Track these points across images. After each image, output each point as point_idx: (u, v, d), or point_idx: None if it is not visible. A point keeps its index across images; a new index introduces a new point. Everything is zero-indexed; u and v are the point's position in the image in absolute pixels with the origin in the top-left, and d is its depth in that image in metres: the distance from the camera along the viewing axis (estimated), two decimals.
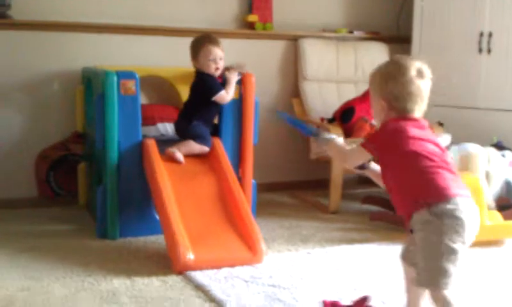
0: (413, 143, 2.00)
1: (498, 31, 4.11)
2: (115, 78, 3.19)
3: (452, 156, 3.57)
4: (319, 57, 4.42)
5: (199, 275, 2.72)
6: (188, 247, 2.78)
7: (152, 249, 3.10)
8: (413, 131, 2.03)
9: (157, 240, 3.19)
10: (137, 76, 3.26)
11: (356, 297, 2.47)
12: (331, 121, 4.10)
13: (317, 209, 4.03)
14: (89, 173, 3.72)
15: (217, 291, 2.57)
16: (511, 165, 3.88)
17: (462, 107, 4.29)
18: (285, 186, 4.52)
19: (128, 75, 3.24)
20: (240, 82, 3.46)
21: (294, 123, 2.63)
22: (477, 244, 3.26)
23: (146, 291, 2.56)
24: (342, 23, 4.67)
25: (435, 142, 2.06)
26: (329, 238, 3.38)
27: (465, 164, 3.55)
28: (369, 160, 2.20)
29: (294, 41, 4.47)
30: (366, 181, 4.68)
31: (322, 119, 4.12)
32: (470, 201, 1.97)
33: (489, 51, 4.16)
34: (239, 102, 3.48)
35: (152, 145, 3.26)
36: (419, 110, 2.09)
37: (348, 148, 2.19)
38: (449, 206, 1.91)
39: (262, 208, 3.74)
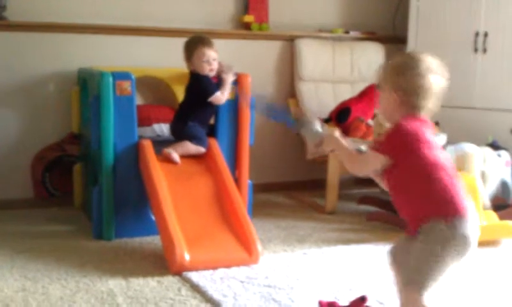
0: (429, 150, 1.94)
1: (493, 31, 4.12)
2: (111, 79, 3.18)
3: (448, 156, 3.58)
4: (315, 58, 4.43)
5: (195, 276, 2.72)
6: (184, 248, 2.77)
7: (147, 250, 3.10)
8: (427, 135, 1.97)
9: (153, 241, 3.19)
10: (133, 77, 3.26)
11: (353, 297, 2.48)
12: (327, 121, 4.09)
13: (314, 209, 4.03)
14: (84, 174, 3.71)
15: (213, 291, 2.56)
16: (507, 165, 3.89)
17: (458, 106, 4.29)
18: (282, 186, 4.51)
19: (124, 75, 3.24)
20: (236, 83, 3.46)
21: (270, 114, 2.51)
22: None
23: (142, 292, 2.56)
24: (338, 23, 4.67)
25: (442, 147, 2.04)
26: (325, 239, 3.38)
27: (461, 163, 3.55)
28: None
29: (290, 41, 4.47)
30: (362, 182, 4.72)
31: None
32: (474, 214, 1.94)
33: (484, 51, 4.16)
34: (235, 102, 3.48)
35: (147, 146, 3.25)
36: (430, 108, 2.02)
37: (348, 145, 2.09)
38: (463, 223, 1.88)
39: (258, 209, 3.74)
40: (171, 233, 2.81)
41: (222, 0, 4.31)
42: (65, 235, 3.34)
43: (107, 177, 3.22)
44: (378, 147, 1.98)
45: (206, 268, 2.80)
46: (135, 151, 3.27)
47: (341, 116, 4.03)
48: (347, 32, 4.62)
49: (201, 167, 3.32)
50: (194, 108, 3.37)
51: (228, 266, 2.84)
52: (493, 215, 3.44)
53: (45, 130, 3.87)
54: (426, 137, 1.96)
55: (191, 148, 3.33)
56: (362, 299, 2.44)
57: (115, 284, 2.63)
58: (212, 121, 3.50)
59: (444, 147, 3.62)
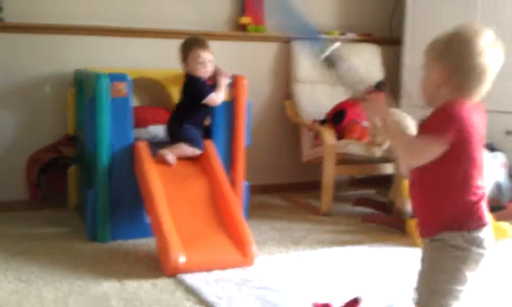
0: (477, 146, 1.70)
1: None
2: (107, 80, 3.18)
3: None
4: (311, 59, 4.41)
5: (190, 278, 2.72)
6: (179, 250, 2.77)
7: (142, 252, 3.10)
8: (478, 127, 1.71)
9: (147, 243, 3.19)
10: (128, 78, 3.26)
11: (347, 298, 2.48)
12: (323, 122, 4.10)
13: (309, 211, 4.03)
14: (80, 176, 3.71)
15: (208, 294, 2.57)
16: (502, 167, 3.89)
17: None
18: (277, 188, 4.51)
19: (120, 77, 3.24)
20: (232, 85, 3.46)
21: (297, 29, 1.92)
22: None
23: (137, 294, 2.56)
24: (334, 25, 4.67)
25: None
26: (320, 241, 3.38)
27: None
28: None
29: (286, 43, 4.47)
30: (358, 183, 4.72)
31: (314, 121, 4.13)
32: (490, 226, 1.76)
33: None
34: (231, 104, 3.48)
35: (143, 148, 3.25)
36: (479, 93, 1.73)
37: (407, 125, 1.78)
38: (481, 236, 1.71)
39: (253, 210, 3.74)
40: (166, 235, 2.81)
41: (218, 1, 4.31)
42: (60, 237, 3.33)
43: (102, 179, 3.22)
44: (439, 131, 1.66)
45: (201, 270, 2.80)
46: (130, 153, 3.27)
47: (337, 118, 4.03)
48: (343, 33, 4.62)
49: (196, 169, 3.32)
50: (190, 110, 3.37)
51: (223, 268, 2.84)
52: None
53: (41, 131, 3.86)
54: (477, 131, 1.71)
55: (187, 149, 3.33)
56: (356, 301, 2.44)
57: (109, 286, 2.63)
58: (207, 122, 3.50)
59: None
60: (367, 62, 4.57)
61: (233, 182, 3.45)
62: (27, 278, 2.70)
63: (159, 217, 2.90)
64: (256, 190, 4.15)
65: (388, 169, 4.00)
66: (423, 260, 1.79)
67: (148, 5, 4.10)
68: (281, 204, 4.25)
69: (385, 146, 3.60)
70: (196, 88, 3.34)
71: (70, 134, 3.79)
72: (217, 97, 3.36)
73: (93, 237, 3.24)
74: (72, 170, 3.77)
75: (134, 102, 3.76)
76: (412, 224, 3.44)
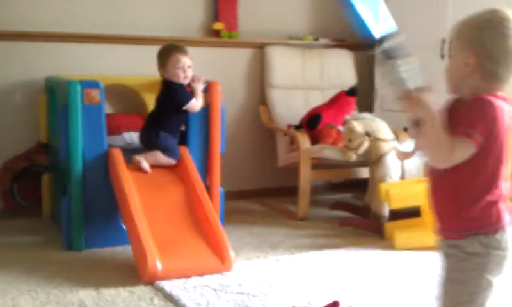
0: (506, 142, 1.55)
1: None
2: (79, 87, 3.15)
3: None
4: (285, 65, 4.44)
5: (167, 285, 2.69)
6: (156, 257, 2.75)
7: (118, 260, 3.07)
8: (509, 121, 1.55)
9: (124, 251, 3.15)
10: (101, 85, 3.22)
11: (326, 302, 2.48)
12: (297, 128, 4.11)
13: (286, 216, 4.03)
14: (53, 184, 3.66)
15: (186, 300, 2.55)
16: None
17: None
18: (254, 193, 4.51)
19: (92, 84, 3.21)
20: (206, 91, 3.45)
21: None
22: None
23: (114, 302, 2.53)
24: (307, 30, 4.70)
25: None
26: (298, 245, 3.38)
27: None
28: None
29: (260, 49, 4.48)
30: (334, 188, 4.74)
31: (289, 127, 4.14)
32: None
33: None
34: (206, 110, 3.46)
35: (117, 154, 3.22)
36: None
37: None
38: (498, 237, 1.57)
39: (230, 216, 3.73)
40: (143, 242, 2.78)
41: (191, 8, 4.31)
42: (34, 246, 3.28)
43: (76, 187, 3.18)
44: (469, 132, 1.50)
45: (179, 277, 2.78)
46: (104, 160, 3.24)
47: (312, 123, 4.04)
48: (316, 39, 4.65)
49: (172, 176, 3.30)
50: (166, 117, 3.34)
51: (201, 274, 2.83)
52: None
53: (12, 140, 3.81)
54: (508, 125, 1.54)
55: (162, 159, 3.30)
56: (335, 304, 2.45)
57: (86, 295, 2.60)
58: (183, 127, 3.48)
59: (412, 153, 3.66)
60: (340, 68, 4.61)
61: (209, 188, 3.43)
62: (2, 288, 2.65)
63: (135, 224, 2.87)
64: (232, 196, 4.14)
65: (364, 173, 4.02)
66: (443, 269, 1.65)
67: (121, 11, 4.07)
68: (257, 209, 4.25)
69: (360, 150, 3.62)
70: (176, 94, 3.30)
71: (42, 142, 3.75)
72: (198, 103, 3.34)
73: (68, 246, 3.19)
74: (46, 178, 3.71)
75: (107, 109, 3.73)
76: (389, 228, 3.47)
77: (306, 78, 4.52)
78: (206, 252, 2.92)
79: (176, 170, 3.32)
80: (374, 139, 3.60)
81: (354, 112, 4.20)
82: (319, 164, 3.95)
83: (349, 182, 4.66)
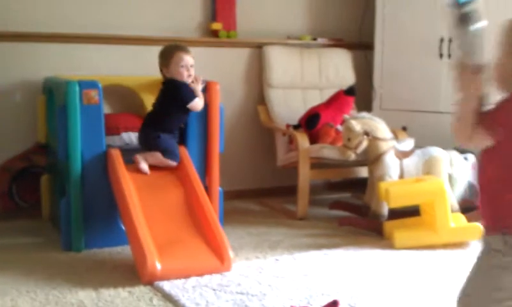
0: None
1: None
2: (77, 88, 3.15)
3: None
4: (283, 64, 4.44)
5: (167, 285, 2.69)
6: (155, 257, 2.74)
7: (118, 260, 3.06)
8: None
9: (123, 251, 3.15)
10: (99, 85, 3.22)
11: (325, 302, 2.48)
12: (296, 127, 4.11)
13: (285, 215, 4.03)
14: (52, 185, 3.65)
15: (185, 300, 2.54)
16: (474, 168, 3.95)
17: (424, 111, 4.35)
18: (252, 193, 4.51)
19: (91, 84, 3.20)
20: (205, 91, 3.45)
21: None
22: (442, 246, 3.34)
23: (113, 302, 2.53)
24: (305, 30, 4.70)
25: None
26: (297, 245, 3.38)
27: (429, 167, 3.60)
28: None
29: (258, 48, 4.48)
30: (333, 187, 4.74)
31: (288, 126, 4.14)
32: None
33: (449, 56, 4.23)
34: (204, 110, 3.46)
35: (116, 155, 3.22)
36: None
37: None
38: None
39: (229, 216, 3.73)
40: (142, 242, 2.78)
41: (189, 8, 4.30)
42: (34, 247, 3.28)
43: (75, 187, 3.18)
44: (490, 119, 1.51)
45: (178, 277, 2.78)
46: (103, 161, 3.23)
47: (310, 122, 4.04)
48: (314, 39, 4.65)
49: (171, 176, 3.29)
50: (167, 116, 3.32)
51: (200, 274, 2.82)
52: (461, 218, 3.49)
53: (11, 140, 3.80)
54: None
55: (163, 160, 3.29)
56: (334, 303, 2.44)
57: (85, 295, 2.59)
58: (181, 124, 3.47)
59: (412, 151, 3.67)
60: (338, 67, 4.61)
61: (208, 188, 3.43)
62: (1, 289, 2.65)
63: (135, 225, 2.87)
64: (231, 195, 4.15)
65: (362, 172, 4.02)
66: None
67: (119, 12, 4.07)
68: (256, 209, 4.25)
69: (359, 150, 3.62)
70: (181, 92, 3.29)
71: (40, 142, 3.74)
72: (200, 102, 3.34)
73: (68, 246, 3.19)
74: (44, 179, 3.71)
75: (106, 109, 3.73)
76: (388, 227, 3.47)
77: (304, 78, 4.52)
78: (205, 252, 2.92)
79: (175, 170, 3.32)
80: (373, 138, 3.60)
81: (352, 112, 4.20)
82: (317, 164, 3.95)
83: (348, 181, 4.66)
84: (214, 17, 4.33)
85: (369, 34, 4.66)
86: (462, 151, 3.93)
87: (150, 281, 2.73)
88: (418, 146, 3.71)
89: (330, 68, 4.59)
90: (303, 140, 3.89)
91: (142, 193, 3.09)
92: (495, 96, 1.57)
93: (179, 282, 2.74)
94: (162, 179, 3.26)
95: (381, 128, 3.65)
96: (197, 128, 3.48)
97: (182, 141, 3.45)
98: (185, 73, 3.30)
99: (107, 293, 2.62)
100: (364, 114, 3.78)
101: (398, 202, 3.34)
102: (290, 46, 4.55)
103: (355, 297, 2.60)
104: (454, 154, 3.70)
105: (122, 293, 2.63)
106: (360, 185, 4.10)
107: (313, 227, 3.76)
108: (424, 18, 4.35)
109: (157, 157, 3.28)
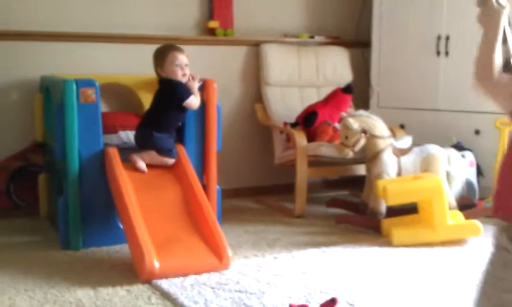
0: None
1: (455, 34, 4.19)
2: (74, 86, 3.14)
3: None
4: (280, 62, 4.44)
5: (165, 284, 2.69)
6: (153, 256, 2.74)
7: (116, 259, 3.06)
8: None
9: (121, 250, 3.15)
10: (96, 84, 3.21)
11: (323, 299, 2.48)
12: (294, 125, 4.11)
13: (283, 213, 4.03)
14: (50, 183, 3.65)
15: (184, 299, 2.54)
16: (471, 166, 3.96)
17: (422, 109, 4.36)
18: (250, 191, 4.51)
19: (88, 83, 3.20)
20: (202, 89, 3.44)
21: None
22: (440, 243, 3.34)
23: (111, 301, 2.52)
24: (302, 28, 4.70)
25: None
26: (295, 242, 3.38)
27: (427, 165, 3.60)
28: None
29: (255, 46, 4.48)
30: (331, 185, 4.75)
31: (285, 124, 4.14)
32: None
33: (447, 54, 4.23)
34: (202, 108, 3.45)
35: (114, 153, 3.21)
36: None
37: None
38: None
39: (227, 214, 3.73)
40: (140, 241, 2.78)
41: (186, 6, 4.30)
42: (31, 245, 3.27)
43: (72, 186, 3.17)
44: None
45: (176, 275, 2.77)
46: (101, 159, 3.23)
47: (308, 120, 4.04)
48: (312, 37, 4.65)
49: (169, 174, 3.29)
50: (164, 115, 3.31)
51: (198, 272, 2.82)
52: (459, 215, 3.49)
53: (8, 139, 3.79)
54: None
55: (159, 159, 3.28)
56: (332, 301, 2.44)
57: (83, 294, 2.59)
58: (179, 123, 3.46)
59: (409, 149, 3.67)
60: (336, 65, 4.61)
61: (205, 187, 3.43)
62: None
63: (132, 223, 2.87)
64: (229, 194, 4.15)
65: (360, 170, 4.02)
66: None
67: (115, 10, 4.06)
68: (254, 207, 4.25)
69: (357, 147, 3.62)
70: (176, 90, 3.29)
71: (38, 141, 3.73)
72: (196, 100, 3.34)
73: (66, 245, 3.19)
74: (42, 178, 3.71)
75: (103, 108, 3.72)
76: (386, 224, 3.47)
77: (302, 76, 4.52)
78: (203, 250, 2.91)
79: (173, 169, 3.31)
80: (371, 136, 3.60)
81: (350, 110, 4.21)
82: (315, 162, 3.95)
83: (345, 179, 4.67)
84: (211, 15, 4.33)
85: (366, 32, 4.66)
86: (460, 148, 3.94)
87: (148, 279, 2.72)
88: (415, 143, 3.72)
89: (327, 66, 4.59)
90: (300, 138, 3.89)
91: (140, 192, 3.09)
92: None
93: (177, 280, 2.73)
94: (160, 177, 3.26)
95: (379, 126, 3.65)
96: (194, 127, 3.47)
97: (180, 139, 3.44)
98: (180, 72, 3.30)
99: (105, 291, 2.62)
100: (361, 112, 3.78)
101: (396, 200, 3.34)
102: (288, 44, 4.55)
103: (353, 294, 2.61)
104: (452, 152, 3.71)
105: (120, 291, 2.62)
106: (358, 183, 4.11)
107: (311, 225, 3.76)
108: (421, 15, 4.35)
109: (153, 156, 3.28)
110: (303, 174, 3.89)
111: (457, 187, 3.69)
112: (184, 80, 3.32)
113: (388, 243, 3.31)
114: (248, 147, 4.51)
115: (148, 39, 3.96)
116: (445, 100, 4.28)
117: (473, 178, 3.97)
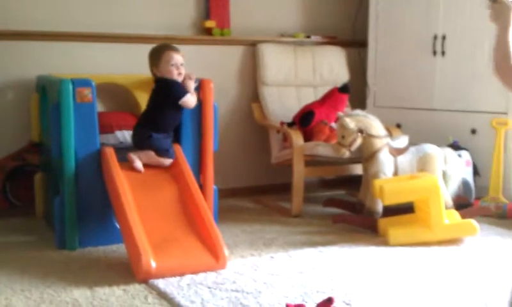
0: None
1: (451, 34, 4.20)
2: (70, 86, 3.13)
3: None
4: (277, 62, 4.44)
5: (162, 283, 2.69)
6: (150, 255, 2.74)
7: (112, 259, 3.06)
8: None
9: (117, 249, 3.15)
10: (93, 83, 3.21)
11: (320, 299, 2.48)
12: (290, 125, 4.11)
13: (280, 213, 4.03)
14: (46, 183, 3.64)
15: (180, 298, 2.54)
16: (467, 165, 3.96)
17: (419, 108, 4.37)
18: (247, 191, 4.51)
19: (84, 82, 3.19)
20: (199, 88, 3.44)
21: None
22: (436, 243, 3.34)
23: (108, 301, 2.52)
24: (299, 28, 4.70)
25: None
26: (292, 242, 3.38)
27: (423, 164, 3.60)
28: None
29: (252, 46, 4.48)
30: (327, 184, 4.75)
31: (282, 123, 4.14)
32: None
33: (443, 53, 4.24)
34: (198, 108, 3.45)
35: (110, 153, 3.21)
36: None
37: None
38: None
39: (224, 214, 3.73)
40: (137, 240, 2.78)
41: (183, 6, 4.30)
42: (28, 245, 3.26)
43: (69, 186, 3.17)
44: None
45: (173, 275, 2.77)
46: (97, 159, 3.22)
47: (305, 120, 4.04)
48: (308, 36, 4.66)
49: (165, 174, 3.29)
50: (160, 115, 3.31)
51: (195, 272, 2.82)
52: (456, 214, 3.50)
53: (4, 139, 3.79)
54: None
55: (156, 159, 3.28)
56: (329, 301, 2.44)
57: (80, 294, 2.58)
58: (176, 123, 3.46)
59: (406, 148, 3.67)
60: (332, 65, 4.61)
61: (202, 186, 3.43)
62: None
63: (129, 223, 2.86)
64: (225, 193, 4.15)
65: (357, 169, 4.03)
66: None
67: (112, 10, 4.06)
68: (251, 207, 4.25)
69: (353, 147, 3.62)
70: (172, 89, 3.29)
71: (34, 141, 3.73)
72: (192, 98, 3.34)
73: (62, 245, 3.18)
74: (38, 177, 3.70)
75: (99, 108, 3.72)
76: (382, 224, 3.48)
77: (298, 76, 4.52)
78: (200, 250, 2.91)
79: (170, 168, 3.31)
80: (367, 136, 3.60)
81: (346, 109, 4.21)
82: (312, 161, 3.95)
83: (342, 179, 4.67)
84: (207, 15, 4.33)
85: (363, 32, 4.67)
86: (456, 148, 3.95)
87: (144, 279, 2.72)
88: (412, 143, 3.72)
89: (324, 65, 4.59)
90: (297, 137, 3.89)
91: (136, 191, 3.09)
92: None
93: (174, 280, 2.73)
94: (157, 177, 3.26)
95: (375, 126, 3.66)
96: (191, 127, 3.47)
97: (177, 139, 3.44)
98: (175, 72, 3.30)
99: (102, 291, 2.61)
100: (358, 111, 3.78)
101: (392, 199, 3.35)
102: (284, 44, 4.55)
103: (350, 294, 2.61)
104: (448, 151, 3.71)
105: (117, 291, 2.62)
106: (354, 183, 4.11)
107: (308, 224, 3.76)
108: (417, 15, 4.36)
109: (150, 156, 3.28)
110: (299, 174, 3.89)
111: (454, 186, 3.69)
112: (179, 79, 3.32)
113: (385, 242, 3.31)
114: (244, 147, 4.51)
115: (145, 39, 3.96)
116: (441, 99, 4.29)
117: (470, 178, 3.98)
